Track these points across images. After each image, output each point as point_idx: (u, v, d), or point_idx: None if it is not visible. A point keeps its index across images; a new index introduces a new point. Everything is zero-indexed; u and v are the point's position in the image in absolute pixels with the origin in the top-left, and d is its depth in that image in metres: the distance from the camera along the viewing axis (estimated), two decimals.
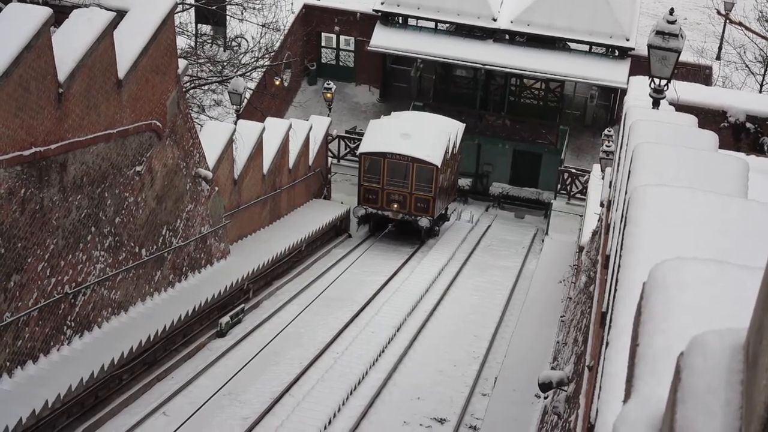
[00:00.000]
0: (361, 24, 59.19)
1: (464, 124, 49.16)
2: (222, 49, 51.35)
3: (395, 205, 43.42)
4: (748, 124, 25.28)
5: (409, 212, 43.40)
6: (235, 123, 34.37)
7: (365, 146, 43.45)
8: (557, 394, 17.42)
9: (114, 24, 21.67)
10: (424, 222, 42.87)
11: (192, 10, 50.84)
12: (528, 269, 42.40)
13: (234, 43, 51.95)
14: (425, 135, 43.43)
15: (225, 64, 45.22)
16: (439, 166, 42.61)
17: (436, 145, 43.15)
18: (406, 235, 43.97)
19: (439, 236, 46.01)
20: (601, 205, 26.17)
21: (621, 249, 7.81)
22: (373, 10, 56.89)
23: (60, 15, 20.50)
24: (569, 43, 55.22)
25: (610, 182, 21.77)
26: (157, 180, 25.26)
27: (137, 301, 24.72)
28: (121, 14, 23.07)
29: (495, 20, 54.57)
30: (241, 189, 32.91)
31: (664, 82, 19.52)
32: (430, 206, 43.38)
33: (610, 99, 58.82)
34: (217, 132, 30.95)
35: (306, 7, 59.36)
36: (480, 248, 45.97)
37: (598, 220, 28.46)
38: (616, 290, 7.29)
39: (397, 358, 28.80)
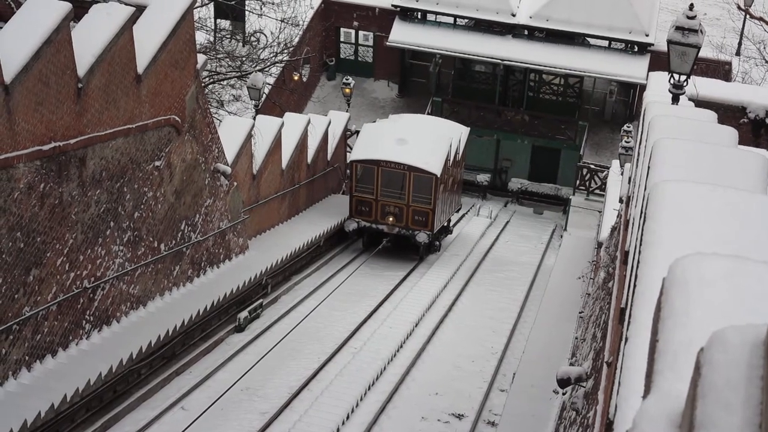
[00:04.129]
0: (380, 19, 59.17)
1: (468, 128, 45.70)
2: (241, 44, 51.44)
3: (390, 219, 39.28)
4: (767, 120, 25.21)
5: (406, 226, 39.34)
6: (254, 118, 34.42)
7: (357, 153, 39.24)
8: (576, 390, 17.40)
9: (133, 19, 21.71)
10: (422, 237, 38.90)
11: (211, 6, 50.91)
12: (546, 265, 42.34)
13: (253, 39, 51.97)
14: (424, 141, 39.33)
15: (244, 59, 45.29)
16: (439, 176, 38.51)
17: (436, 152, 39.03)
18: (404, 250, 40.28)
19: (440, 251, 42.20)
20: (620, 200, 26.15)
21: (640, 245, 7.80)
22: (392, 5, 56.86)
23: (79, 10, 20.54)
24: (588, 39, 55.07)
25: (629, 178, 21.75)
26: (176, 175, 25.30)
27: (156, 295, 24.78)
28: (140, 9, 23.12)
29: (514, 15, 54.50)
30: (260, 184, 32.95)
31: (683, 77, 19.49)
32: (429, 220, 39.31)
33: (630, 94, 58.71)
34: (236, 127, 30.98)
35: (325, 2, 59.35)
36: (498, 244, 45.95)
37: (617, 216, 28.44)
38: (635, 286, 7.28)
39: (415, 354, 28.80)
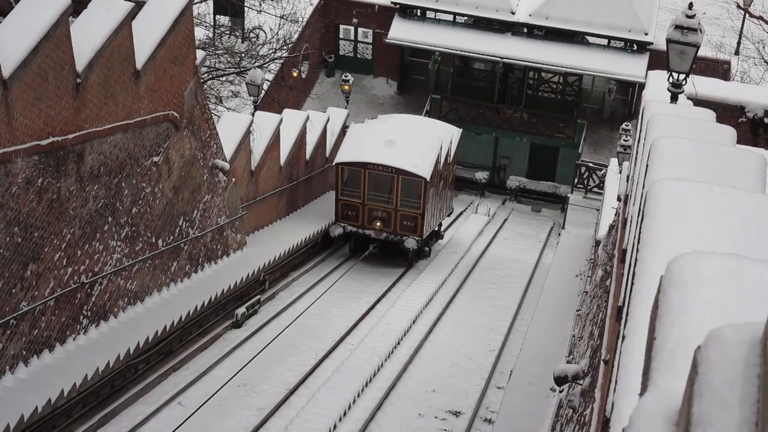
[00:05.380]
0: (379, 16, 59.14)
1: (461, 129, 44.14)
2: (240, 40, 51.42)
3: (378, 223, 37.51)
4: (766, 120, 25.22)
5: (394, 231, 37.59)
6: (253, 114, 34.41)
7: (343, 155, 37.37)
8: (572, 387, 17.41)
9: (132, 14, 21.71)
10: (410, 243, 37.16)
11: (210, 1, 50.91)
12: (544, 263, 42.39)
13: (252, 35, 51.97)
14: (413, 142, 37.54)
15: (243, 55, 45.26)
16: (429, 179, 36.74)
17: (426, 155, 37.29)
18: (393, 255, 38.56)
19: (430, 257, 40.47)
20: (618, 199, 26.14)
21: (638, 243, 7.80)
22: (392, 3, 56.82)
23: (78, 5, 20.53)
24: (588, 37, 55.06)
25: (628, 176, 21.74)
26: (174, 171, 25.30)
27: (153, 291, 24.77)
28: (139, 5, 23.10)
29: (513, 13, 54.46)
30: (258, 180, 32.95)
31: (682, 76, 19.48)
32: (418, 225, 37.57)
33: (628, 93, 58.69)
34: (235, 123, 30.96)
35: None
36: (496, 242, 45.98)
37: (615, 215, 28.44)
38: (632, 284, 7.28)
39: (413, 351, 28.82)
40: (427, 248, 40.26)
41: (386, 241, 37.90)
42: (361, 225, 37.76)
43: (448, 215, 44.65)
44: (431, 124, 42.97)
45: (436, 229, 41.71)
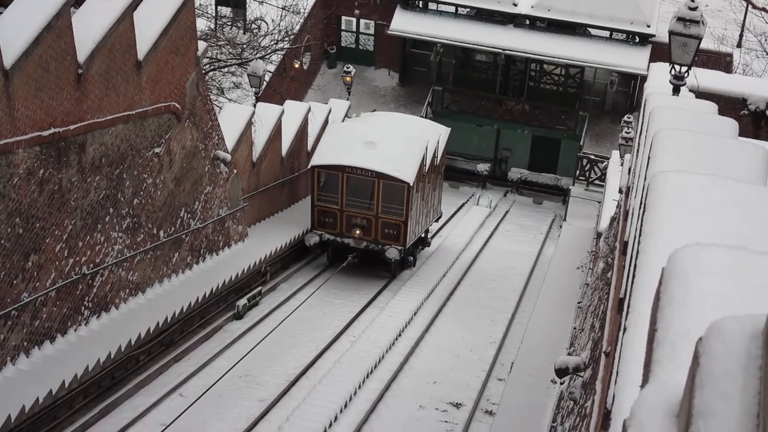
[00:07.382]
0: (381, 7, 59.08)
1: (449, 129, 40.87)
2: (242, 31, 51.38)
3: (357, 231, 34.42)
4: (767, 112, 25.23)
5: (374, 240, 34.55)
6: (254, 106, 34.36)
7: (319, 157, 34.18)
8: (573, 379, 17.41)
9: (134, 5, 21.70)
10: (392, 253, 34.18)
11: None
12: (546, 255, 42.38)
13: (254, 26, 51.94)
14: (396, 144, 34.35)
15: (244, 46, 45.25)
16: (412, 184, 33.73)
17: (409, 157, 34.18)
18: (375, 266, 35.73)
19: (415, 267, 37.65)
20: (620, 191, 26.14)
21: (640, 235, 7.80)
22: None
23: None
24: (590, 29, 55.01)
25: (629, 168, 21.74)
26: (176, 162, 25.29)
27: (155, 282, 24.78)
28: None
29: (515, 5, 54.40)
30: (260, 172, 32.93)
31: (684, 68, 19.47)
32: (400, 233, 34.51)
33: (630, 85, 58.65)
34: (236, 114, 30.97)
35: None
36: (498, 233, 45.97)
37: (617, 207, 28.43)
38: (634, 276, 7.28)
39: (414, 343, 28.82)
40: (412, 257, 37.68)
41: (366, 251, 35.04)
42: (339, 233, 34.75)
43: (436, 221, 41.98)
44: (416, 123, 40.38)
45: (423, 235, 38.97)
